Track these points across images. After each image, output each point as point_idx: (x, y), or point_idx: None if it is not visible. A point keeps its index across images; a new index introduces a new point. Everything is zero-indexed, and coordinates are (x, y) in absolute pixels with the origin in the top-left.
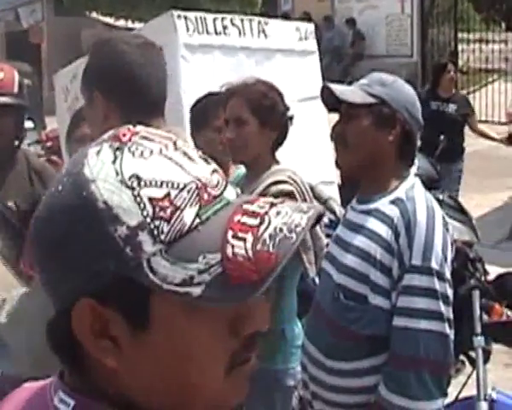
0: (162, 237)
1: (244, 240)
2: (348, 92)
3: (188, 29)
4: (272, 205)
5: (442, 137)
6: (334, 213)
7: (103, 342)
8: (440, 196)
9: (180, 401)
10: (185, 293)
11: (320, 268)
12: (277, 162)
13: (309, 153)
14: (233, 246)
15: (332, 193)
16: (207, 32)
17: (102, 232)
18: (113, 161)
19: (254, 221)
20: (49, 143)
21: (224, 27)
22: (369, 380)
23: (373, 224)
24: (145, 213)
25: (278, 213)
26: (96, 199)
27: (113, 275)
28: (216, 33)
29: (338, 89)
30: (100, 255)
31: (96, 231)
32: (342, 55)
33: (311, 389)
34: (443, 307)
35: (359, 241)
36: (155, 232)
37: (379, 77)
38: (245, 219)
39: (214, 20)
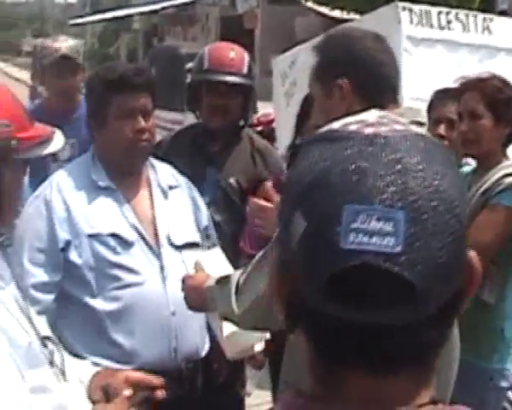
0: None
1: None
2: None
3: (412, 21)
4: None
5: None
6: None
7: None
8: None
9: None
10: None
11: None
12: (507, 158)
13: None
14: None
15: None
16: (431, 26)
17: None
18: None
19: None
20: (259, 128)
21: (449, 22)
22: None
23: None
24: None
25: None
26: None
27: None
28: (440, 27)
29: None
30: None
31: None
32: None
33: None
34: None
35: None
36: None
37: None
38: None
39: (439, 13)
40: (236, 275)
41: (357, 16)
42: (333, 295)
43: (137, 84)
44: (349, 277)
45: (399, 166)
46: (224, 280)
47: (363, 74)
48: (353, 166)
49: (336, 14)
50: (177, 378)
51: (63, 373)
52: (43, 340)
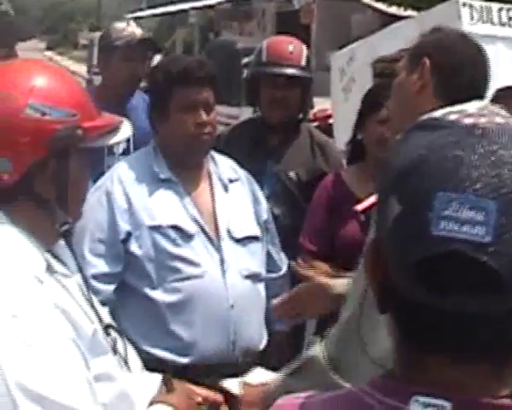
0: None
1: None
2: None
3: (472, 18)
4: None
5: None
6: None
7: None
8: None
9: None
10: None
11: None
12: None
13: None
14: None
15: None
16: (491, 23)
17: None
18: None
19: None
20: (315, 123)
21: (510, 18)
22: None
23: None
24: None
25: None
26: None
27: None
28: (500, 24)
29: None
30: None
31: None
32: None
33: None
34: None
35: None
36: None
37: None
38: None
39: (499, 10)
40: (316, 351)
41: (414, 13)
42: (420, 280)
43: (200, 77)
44: (437, 263)
45: (494, 158)
46: (299, 366)
47: (444, 62)
48: (449, 155)
49: (393, 10)
50: (233, 372)
51: (126, 362)
52: (107, 328)
